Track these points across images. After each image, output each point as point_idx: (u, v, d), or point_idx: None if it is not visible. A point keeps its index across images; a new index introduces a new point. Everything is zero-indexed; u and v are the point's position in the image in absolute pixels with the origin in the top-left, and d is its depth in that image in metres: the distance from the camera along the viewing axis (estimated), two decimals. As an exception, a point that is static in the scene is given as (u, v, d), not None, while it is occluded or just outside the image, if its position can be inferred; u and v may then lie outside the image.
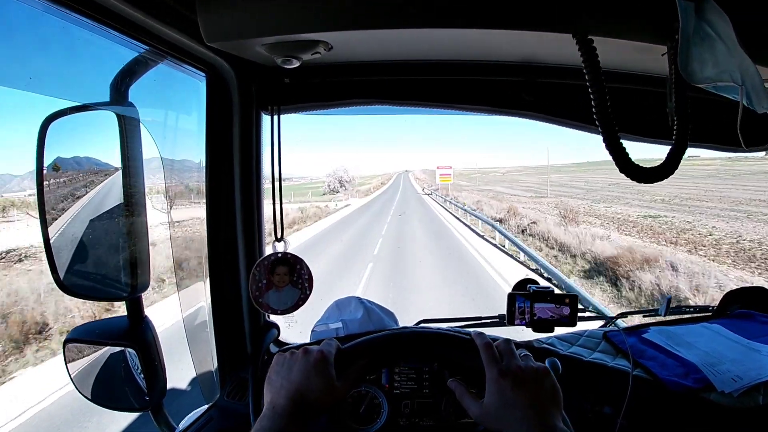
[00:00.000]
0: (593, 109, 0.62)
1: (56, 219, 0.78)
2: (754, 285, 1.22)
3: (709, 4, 0.61)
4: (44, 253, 0.75)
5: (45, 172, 0.75)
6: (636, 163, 0.63)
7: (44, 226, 0.74)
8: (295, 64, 0.74)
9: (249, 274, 0.86)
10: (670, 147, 0.66)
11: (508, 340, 0.70)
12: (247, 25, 0.66)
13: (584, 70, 0.61)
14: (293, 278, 0.88)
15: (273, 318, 1.02)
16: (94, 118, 0.80)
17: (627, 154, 0.63)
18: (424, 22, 0.64)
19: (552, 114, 0.94)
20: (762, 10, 0.65)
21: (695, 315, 1.16)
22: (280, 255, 0.86)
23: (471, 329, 1.04)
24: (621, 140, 0.63)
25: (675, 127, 0.65)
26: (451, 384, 0.69)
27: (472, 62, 0.87)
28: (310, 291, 0.90)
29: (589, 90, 0.61)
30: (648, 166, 0.65)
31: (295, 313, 0.88)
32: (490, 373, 0.63)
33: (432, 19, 0.64)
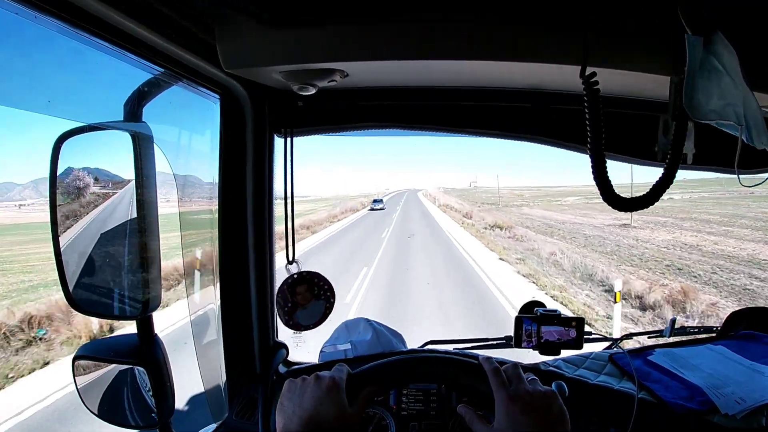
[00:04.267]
0: (587, 144, 0.63)
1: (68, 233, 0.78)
2: (759, 306, 1.22)
3: (718, 37, 0.62)
4: (56, 268, 0.75)
5: (58, 188, 0.75)
6: (618, 194, 0.65)
7: (56, 241, 0.75)
8: (312, 91, 0.75)
9: (258, 293, 0.86)
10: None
11: (516, 365, 0.70)
12: (266, 54, 0.67)
13: (585, 110, 0.63)
14: (314, 292, 0.91)
15: (281, 338, 1.03)
16: (108, 137, 0.80)
17: (611, 186, 0.65)
18: (437, 55, 0.65)
19: (560, 138, 0.95)
20: (762, 38, 0.66)
21: (700, 336, 1.17)
22: (296, 276, 0.88)
23: (478, 351, 1.04)
24: (607, 169, 0.64)
25: (668, 159, 0.66)
26: (460, 410, 0.70)
27: (482, 89, 0.88)
28: (334, 299, 0.93)
29: (587, 125, 0.63)
30: (631, 197, 0.66)
31: (302, 334, 0.89)
32: (499, 398, 0.64)
33: (446, 52, 0.65)
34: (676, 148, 0.66)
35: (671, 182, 0.66)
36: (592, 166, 0.64)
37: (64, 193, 0.78)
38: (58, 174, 0.74)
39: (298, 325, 0.91)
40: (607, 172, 0.64)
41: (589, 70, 0.62)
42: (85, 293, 0.79)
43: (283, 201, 0.89)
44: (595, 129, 0.62)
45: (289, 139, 0.90)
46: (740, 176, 0.75)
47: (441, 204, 52.03)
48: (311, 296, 0.90)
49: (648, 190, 0.66)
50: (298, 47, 0.66)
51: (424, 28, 0.64)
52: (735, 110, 0.62)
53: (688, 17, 0.61)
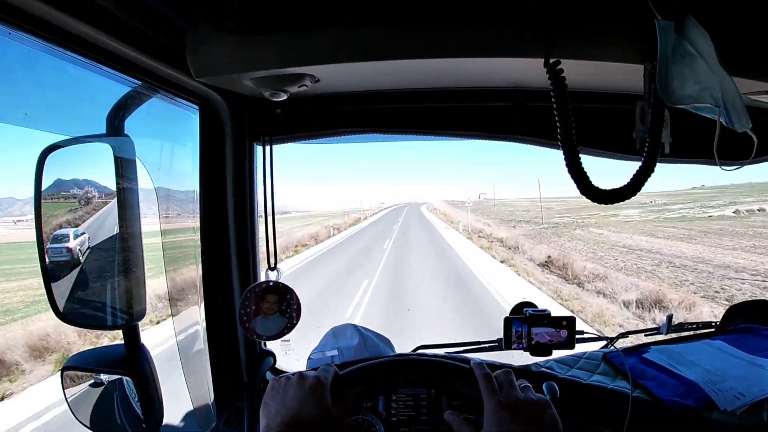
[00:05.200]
0: (558, 135, 0.62)
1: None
2: (757, 299, 1.20)
3: (690, 22, 0.61)
4: (42, 280, 0.76)
5: (45, 200, 0.76)
6: (596, 186, 0.64)
7: (42, 254, 0.75)
8: (283, 96, 0.75)
9: None
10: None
11: (508, 371, 0.69)
12: (233, 61, 0.68)
13: (552, 99, 0.62)
14: (282, 306, 0.89)
15: (269, 346, 1.02)
16: (90, 150, 0.81)
17: (588, 177, 0.63)
18: (402, 54, 0.66)
19: (541, 137, 0.94)
20: (740, 25, 0.65)
21: (697, 332, 1.15)
22: (271, 284, 0.87)
23: (469, 354, 1.03)
24: (582, 163, 0.63)
25: (646, 148, 0.65)
26: (447, 417, 0.69)
27: (459, 89, 0.88)
28: (297, 321, 0.90)
29: (555, 116, 0.62)
30: (610, 189, 0.65)
31: (291, 340, 0.88)
32: (489, 405, 0.63)
33: (410, 51, 0.66)
34: (654, 135, 0.64)
35: (652, 171, 0.65)
36: (565, 158, 0.63)
37: (61, 203, 0.79)
38: (42, 187, 0.76)
39: (252, 331, 0.88)
40: (581, 162, 0.63)
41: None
42: (72, 305, 0.80)
43: (263, 208, 0.89)
44: (564, 119, 0.62)
45: (268, 147, 0.91)
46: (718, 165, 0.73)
47: (471, 227, 26.75)
48: (277, 309, 0.89)
49: (629, 180, 0.64)
50: (264, 53, 0.67)
51: (387, 29, 0.64)
52: (712, 94, 0.61)
53: (657, 2, 0.60)
